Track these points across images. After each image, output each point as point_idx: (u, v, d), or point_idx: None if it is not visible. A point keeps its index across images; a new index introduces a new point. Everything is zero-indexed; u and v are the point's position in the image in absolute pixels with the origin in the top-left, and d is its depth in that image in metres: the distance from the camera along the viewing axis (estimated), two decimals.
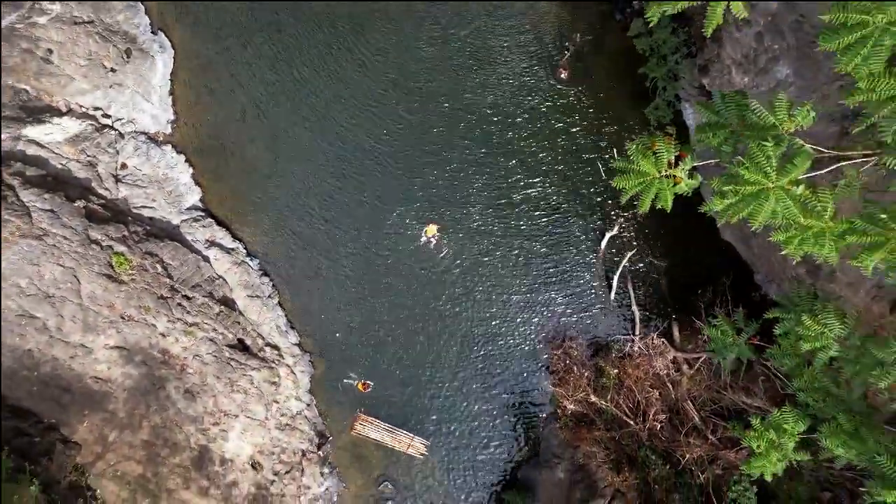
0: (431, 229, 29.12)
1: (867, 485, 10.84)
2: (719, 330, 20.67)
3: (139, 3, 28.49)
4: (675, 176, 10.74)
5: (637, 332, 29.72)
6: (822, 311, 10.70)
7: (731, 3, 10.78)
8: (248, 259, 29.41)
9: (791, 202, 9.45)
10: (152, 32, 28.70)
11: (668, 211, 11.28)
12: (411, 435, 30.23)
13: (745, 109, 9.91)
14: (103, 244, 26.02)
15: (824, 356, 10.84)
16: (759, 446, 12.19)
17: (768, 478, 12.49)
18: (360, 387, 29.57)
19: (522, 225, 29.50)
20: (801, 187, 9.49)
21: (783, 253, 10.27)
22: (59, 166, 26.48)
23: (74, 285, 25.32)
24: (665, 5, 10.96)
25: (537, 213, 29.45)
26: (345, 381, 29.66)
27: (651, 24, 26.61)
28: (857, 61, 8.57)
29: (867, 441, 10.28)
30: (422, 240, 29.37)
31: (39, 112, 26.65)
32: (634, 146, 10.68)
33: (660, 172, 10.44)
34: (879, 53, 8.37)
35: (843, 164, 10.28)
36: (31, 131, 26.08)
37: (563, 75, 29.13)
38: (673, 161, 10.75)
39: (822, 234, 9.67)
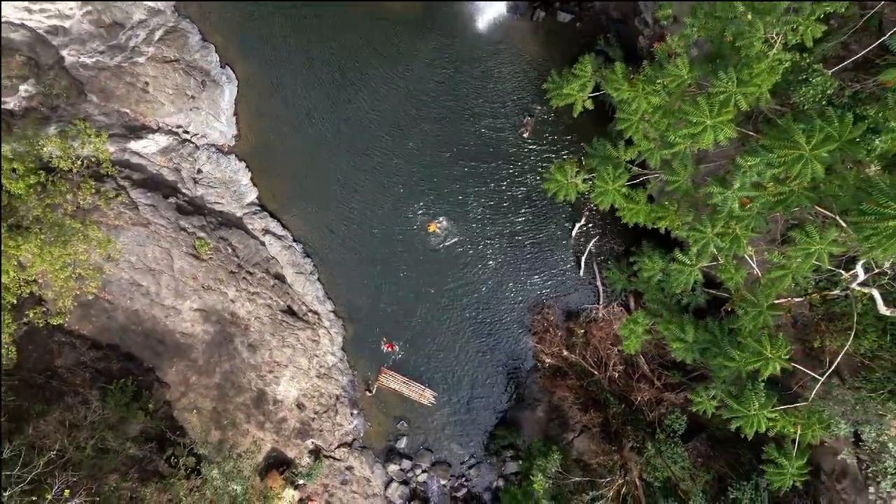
0: (433, 226, 36.83)
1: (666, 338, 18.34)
2: (611, 272, 28.92)
3: (211, 45, 36.46)
4: (575, 182, 18.34)
5: (601, 302, 37.48)
6: (652, 254, 18.00)
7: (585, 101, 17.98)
8: (294, 244, 37.33)
9: (620, 197, 17.16)
10: (221, 67, 36.64)
11: (573, 201, 18.86)
12: (423, 387, 37.95)
13: (605, 147, 17.44)
14: (189, 231, 34.07)
15: (654, 279, 18.23)
16: (625, 333, 19.82)
17: (632, 352, 20.05)
18: (388, 347, 37.35)
19: (510, 218, 37.34)
20: (625, 189, 17.19)
21: (623, 221, 18.12)
22: (155, 172, 34.54)
23: (169, 262, 33.36)
24: (557, 101, 18.02)
25: (521, 209, 37.29)
26: (382, 342, 37.29)
27: (612, 58, 34.70)
28: (630, 133, 16.20)
29: (676, 324, 17.73)
30: (431, 239, 37.07)
31: (138, 130, 34.70)
32: (554, 166, 18.31)
33: (566, 180, 18.03)
34: (638, 132, 16.01)
35: (650, 176, 17.92)
36: (134, 145, 34.13)
37: (525, 133, 36.94)
38: (574, 173, 18.35)
39: (640, 212, 17.36)
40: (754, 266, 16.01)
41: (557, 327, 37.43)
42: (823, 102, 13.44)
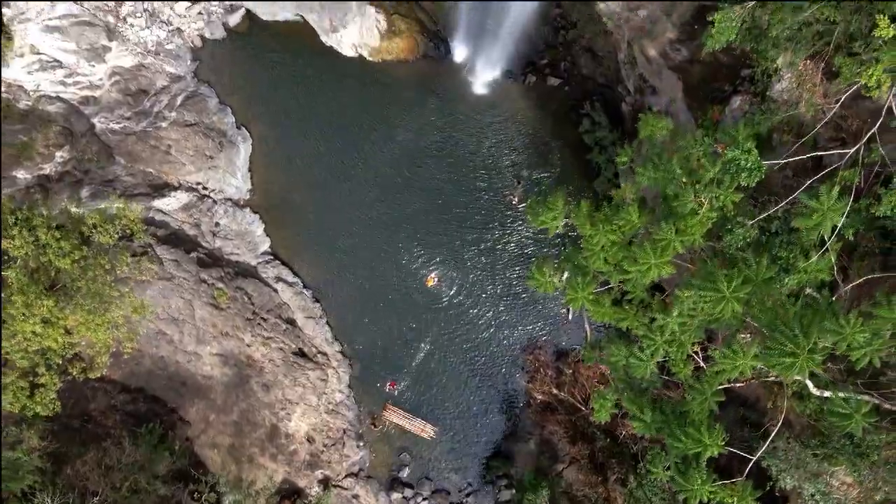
0: (431, 280, 39.92)
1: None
2: (586, 351, 31.74)
3: (227, 107, 39.54)
4: (552, 281, 21.32)
5: (588, 343, 40.48)
6: (618, 343, 21.05)
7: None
8: (304, 290, 40.34)
9: (588, 302, 20.11)
10: (237, 127, 39.72)
11: (550, 293, 22.02)
12: (424, 422, 40.92)
13: (577, 256, 20.49)
14: (208, 282, 37.14)
15: (620, 364, 21.24)
16: (596, 406, 22.87)
17: (603, 420, 23.10)
18: (390, 386, 40.36)
19: (506, 273, 40.43)
20: (592, 295, 20.16)
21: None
22: (177, 227, 37.60)
23: (191, 312, 36.42)
24: (535, 223, 20.69)
25: (516, 264, 40.40)
26: (386, 381, 40.36)
27: (596, 121, 37.73)
28: (593, 260, 19.20)
29: (636, 404, 20.70)
30: (431, 291, 40.13)
31: (161, 188, 37.79)
32: (534, 266, 21.34)
33: (545, 279, 21.03)
34: (599, 259, 18.68)
35: (613, 285, 21.07)
36: (158, 203, 37.20)
37: (514, 201, 40.16)
38: (552, 273, 21.34)
39: (605, 314, 20.37)
40: (700, 361, 19.07)
41: (548, 367, 40.44)
42: (747, 241, 16.64)
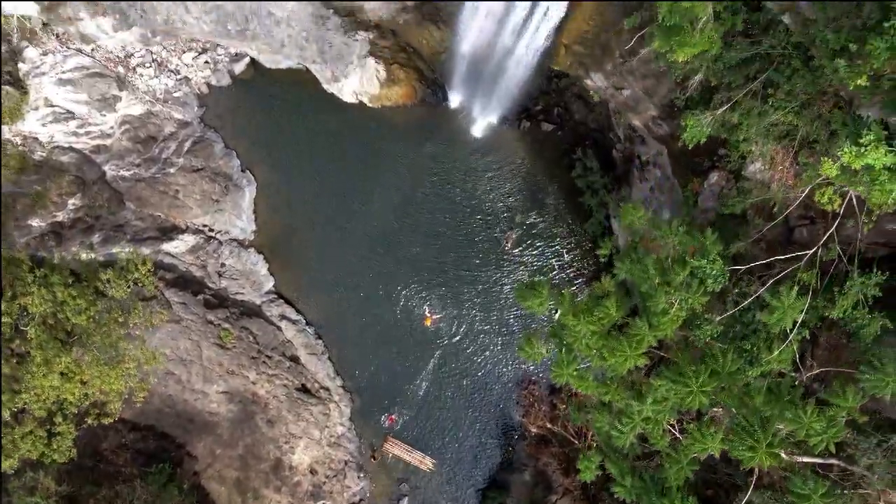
0: (429, 320, 41.40)
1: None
2: (573, 409, 32.93)
3: (233, 151, 41.04)
4: (541, 352, 22.74)
5: None
6: (602, 410, 22.68)
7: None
8: (307, 327, 41.80)
9: (572, 378, 21.59)
10: (242, 171, 41.20)
11: (538, 362, 23.51)
12: (423, 454, 42.38)
13: (562, 334, 21.99)
14: (215, 323, 38.61)
15: (604, 430, 22.75)
16: (582, 467, 24.33)
17: (589, 479, 24.53)
18: (389, 420, 41.82)
19: (503, 314, 41.83)
20: (575, 369, 21.70)
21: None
22: (184, 270, 39.07)
23: (198, 352, 37.90)
24: (523, 305, 22.05)
25: (509, 300, 41.79)
26: (386, 415, 41.85)
27: (588, 167, 39.09)
28: (575, 345, 20.81)
29: (618, 470, 22.19)
30: (429, 331, 41.63)
31: (169, 231, 39.26)
32: (522, 338, 22.78)
33: (533, 350, 22.49)
34: (581, 344, 20.13)
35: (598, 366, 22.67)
36: (166, 246, 38.67)
37: (508, 245, 41.58)
38: (540, 345, 22.79)
39: (588, 387, 21.87)
40: (676, 433, 20.57)
41: (542, 401, 41.88)
42: (716, 334, 18.22)
